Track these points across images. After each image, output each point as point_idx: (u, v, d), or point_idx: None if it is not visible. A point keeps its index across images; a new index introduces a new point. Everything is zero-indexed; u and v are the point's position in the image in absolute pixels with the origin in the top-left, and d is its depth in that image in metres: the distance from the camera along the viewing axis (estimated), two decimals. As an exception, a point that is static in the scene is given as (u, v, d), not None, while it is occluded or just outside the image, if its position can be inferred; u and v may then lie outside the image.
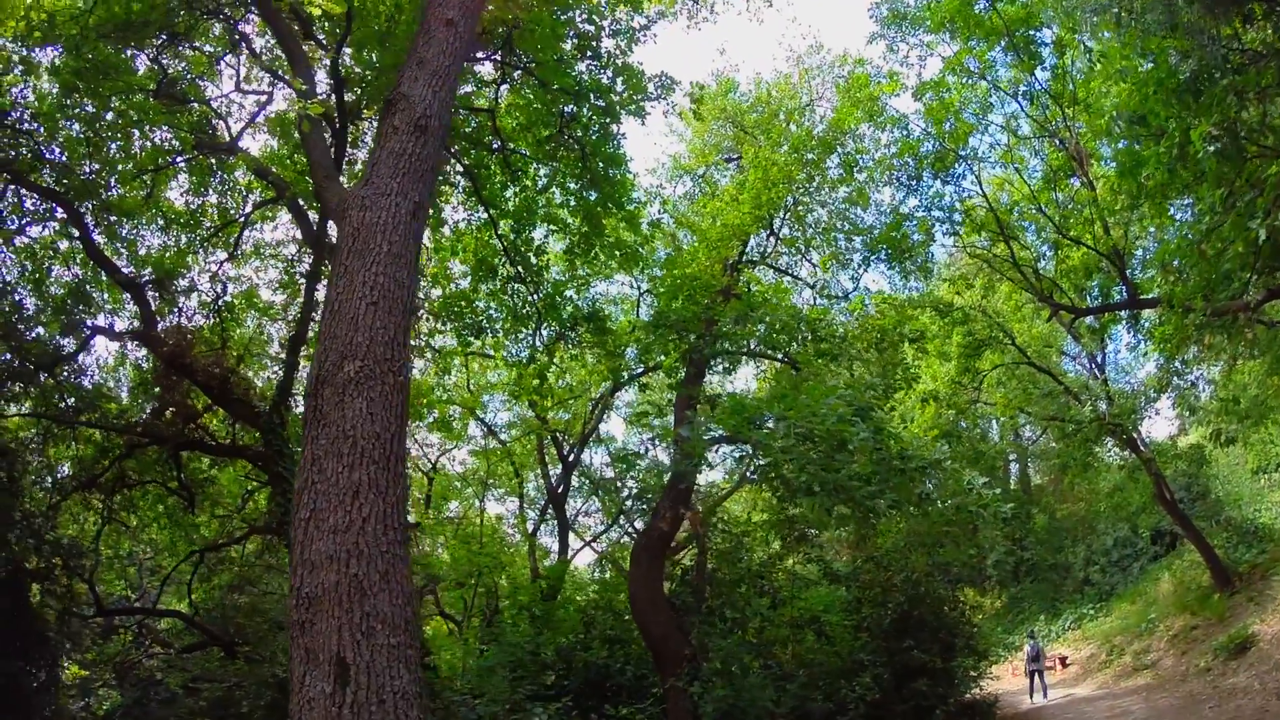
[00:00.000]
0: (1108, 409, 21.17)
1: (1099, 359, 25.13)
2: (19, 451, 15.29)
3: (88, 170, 14.77)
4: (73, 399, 14.71)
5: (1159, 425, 46.04)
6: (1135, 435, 21.50)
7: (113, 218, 15.10)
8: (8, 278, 14.48)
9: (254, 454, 14.44)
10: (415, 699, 6.22)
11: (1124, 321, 21.89)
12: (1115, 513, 27.34)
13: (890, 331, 17.50)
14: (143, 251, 15.69)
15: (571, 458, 23.73)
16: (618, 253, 16.69)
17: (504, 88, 17.49)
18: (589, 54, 15.45)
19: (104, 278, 14.99)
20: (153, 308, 14.80)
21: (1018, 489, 35.13)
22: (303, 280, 15.28)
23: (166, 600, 19.94)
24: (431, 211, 17.69)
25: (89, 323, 14.85)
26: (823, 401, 12.30)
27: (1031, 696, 22.20)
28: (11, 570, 14.64)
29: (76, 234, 14.33)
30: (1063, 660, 26.54)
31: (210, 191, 16.79)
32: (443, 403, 22.45)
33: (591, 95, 15.25)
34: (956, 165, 18.94)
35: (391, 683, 6.19)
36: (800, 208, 19.17)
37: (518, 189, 16.96)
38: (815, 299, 19.70)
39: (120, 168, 14.49)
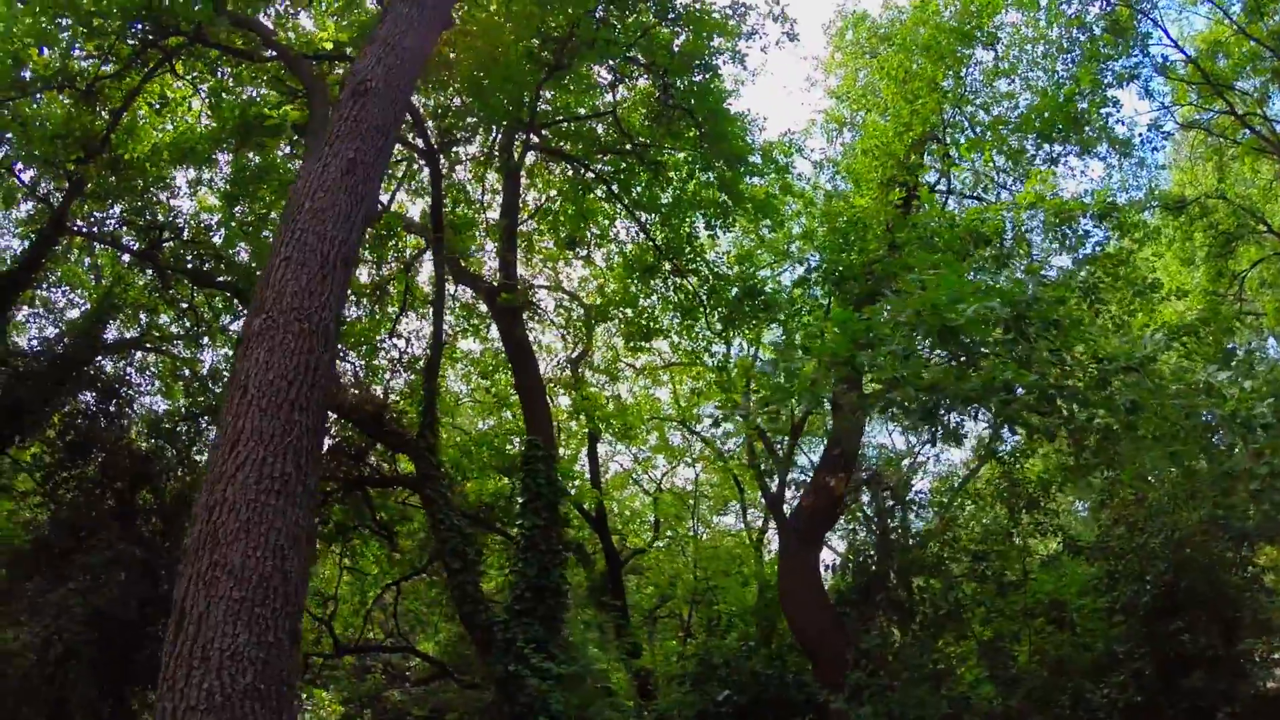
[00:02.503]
0: None
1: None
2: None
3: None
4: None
5: None
6: None
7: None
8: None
9: (409, 480, 14.83)
10: (255, 662, 5.54)
11: None
12: None
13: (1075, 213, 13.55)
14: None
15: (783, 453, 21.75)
16: (756, 212, 15.40)
17: (620, 88, 17.34)
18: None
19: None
20: None
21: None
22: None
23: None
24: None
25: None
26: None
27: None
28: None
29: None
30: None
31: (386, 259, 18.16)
32: (659, 420, 21.96)
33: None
34: (1135, 21, 14.60)
35: (222, 639, 5.48)
36: (961, 117, 16.28)
37: (661, 184, 16.50)
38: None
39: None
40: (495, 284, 15.18)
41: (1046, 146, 14.79)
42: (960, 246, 11.94)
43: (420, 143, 14.55)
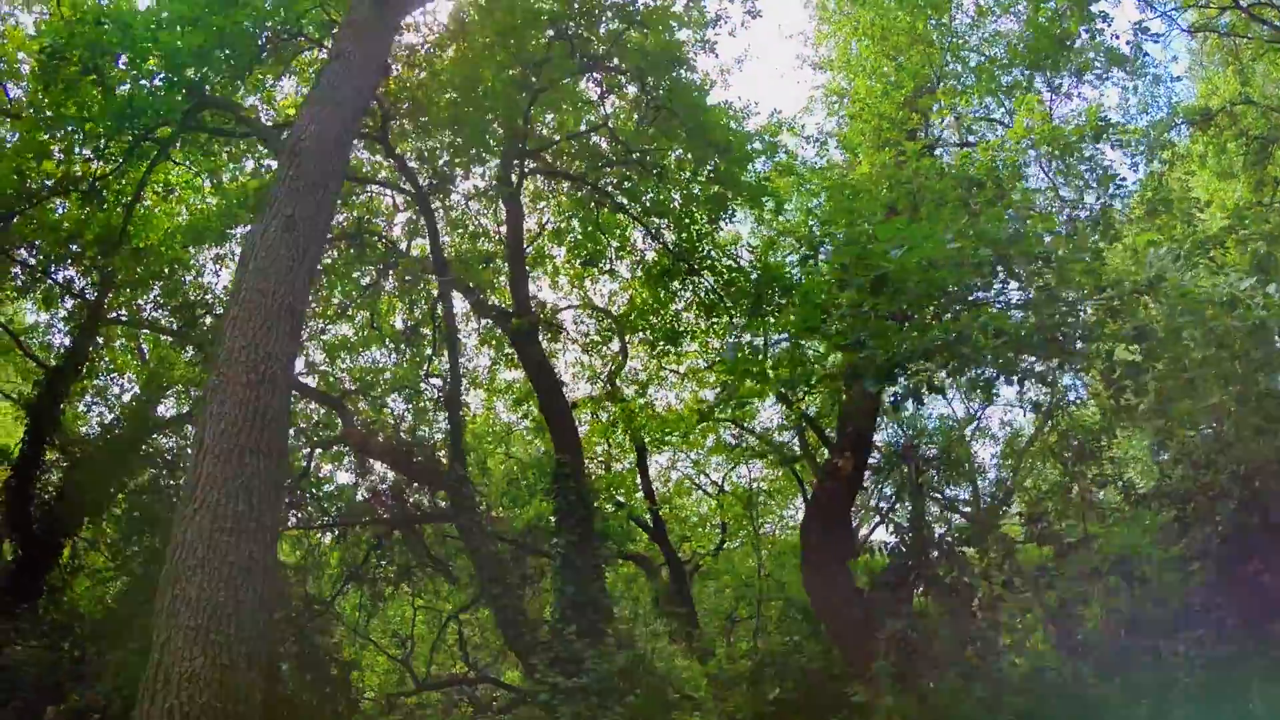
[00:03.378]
0: None
1: None
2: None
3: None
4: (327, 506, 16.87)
5: None
6: None
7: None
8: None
9: (445, 514, 15.01)
10: (211, 683, 6.17)
11: None
12: None
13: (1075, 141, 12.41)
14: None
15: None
16: (751, 198, 14.98)
17: (610, 100, 17.26)
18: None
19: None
20: (351, 415, 15.70)
21: None
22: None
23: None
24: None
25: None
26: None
27: None
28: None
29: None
30: None
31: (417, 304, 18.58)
32: (713, 421, 21.58)
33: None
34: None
35: (181, 663, 6.29)
36: (956, 64, 15.38)
37: (667, 187, 16.35)
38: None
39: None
40: (508, 310, 15.29)
41: (1040, 77, 13.92)
42: (955, 196, 11.26)
43: (410, 187, 14.81)
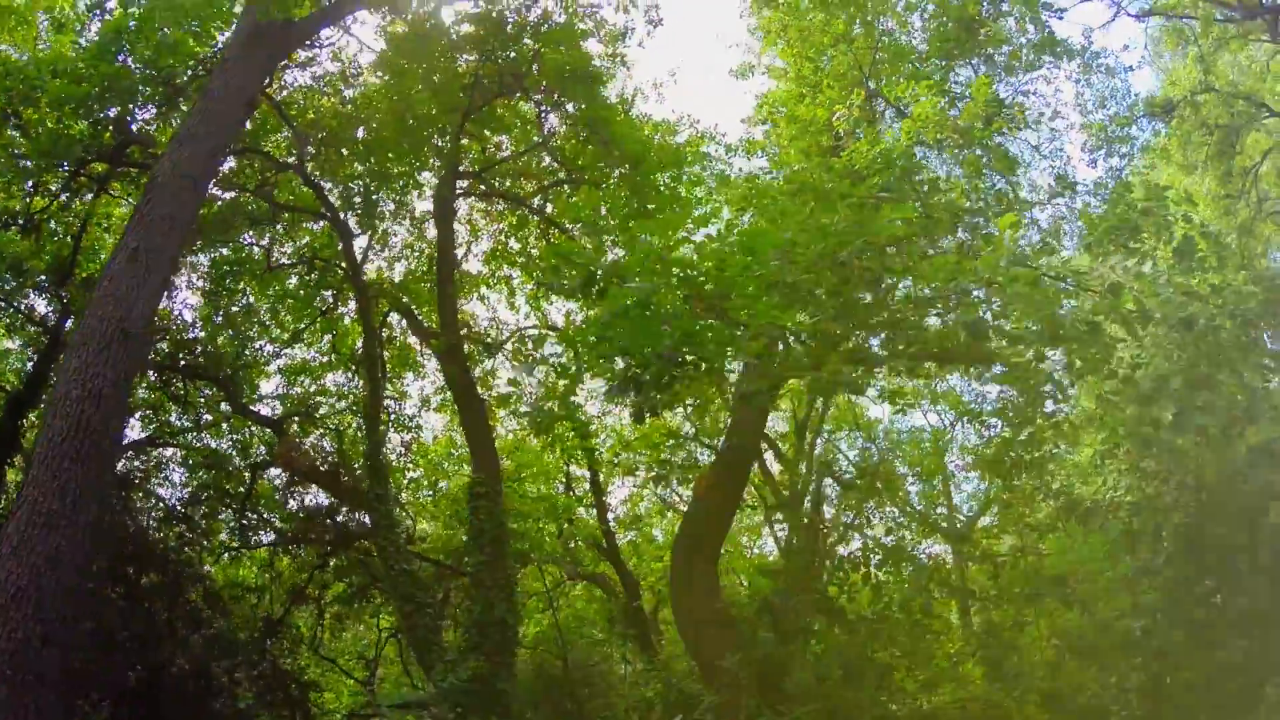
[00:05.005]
0: None
1: None
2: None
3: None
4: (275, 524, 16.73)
5: None
6: None
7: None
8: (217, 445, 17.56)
9: (367, 533, 14.59)
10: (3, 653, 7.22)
11: None
12: None
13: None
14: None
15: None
16: (661, 209, 14.27)
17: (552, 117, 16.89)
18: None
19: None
20: (289, 438, 15.25)
21: None
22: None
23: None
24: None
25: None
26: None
27: None
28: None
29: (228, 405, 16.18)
30: None
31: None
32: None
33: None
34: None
35: None
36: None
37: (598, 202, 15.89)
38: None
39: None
40: (432, 330, 14.96)
41: (963, 64, 12.80)
42: (853, 191, 10.37)
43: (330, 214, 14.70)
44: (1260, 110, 14.38)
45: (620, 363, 7.09)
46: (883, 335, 7.83)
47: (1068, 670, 11.65)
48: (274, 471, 16.09)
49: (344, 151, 14.30)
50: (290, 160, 14.49)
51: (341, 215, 14.47)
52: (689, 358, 7.00)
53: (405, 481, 18.00)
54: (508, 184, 16.75)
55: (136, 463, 16.17)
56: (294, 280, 17.31)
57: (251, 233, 16.30)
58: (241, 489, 15.77)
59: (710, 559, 10.37)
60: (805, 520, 11.67)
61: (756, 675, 8.82)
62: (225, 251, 16.34)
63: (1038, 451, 12.41)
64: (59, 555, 7.95)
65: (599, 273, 7.18)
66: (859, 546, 11.54)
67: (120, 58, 11.89)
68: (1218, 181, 14.59)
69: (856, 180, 10.42)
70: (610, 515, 18.52)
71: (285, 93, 14.87)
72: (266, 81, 12.84)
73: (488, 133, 16.79)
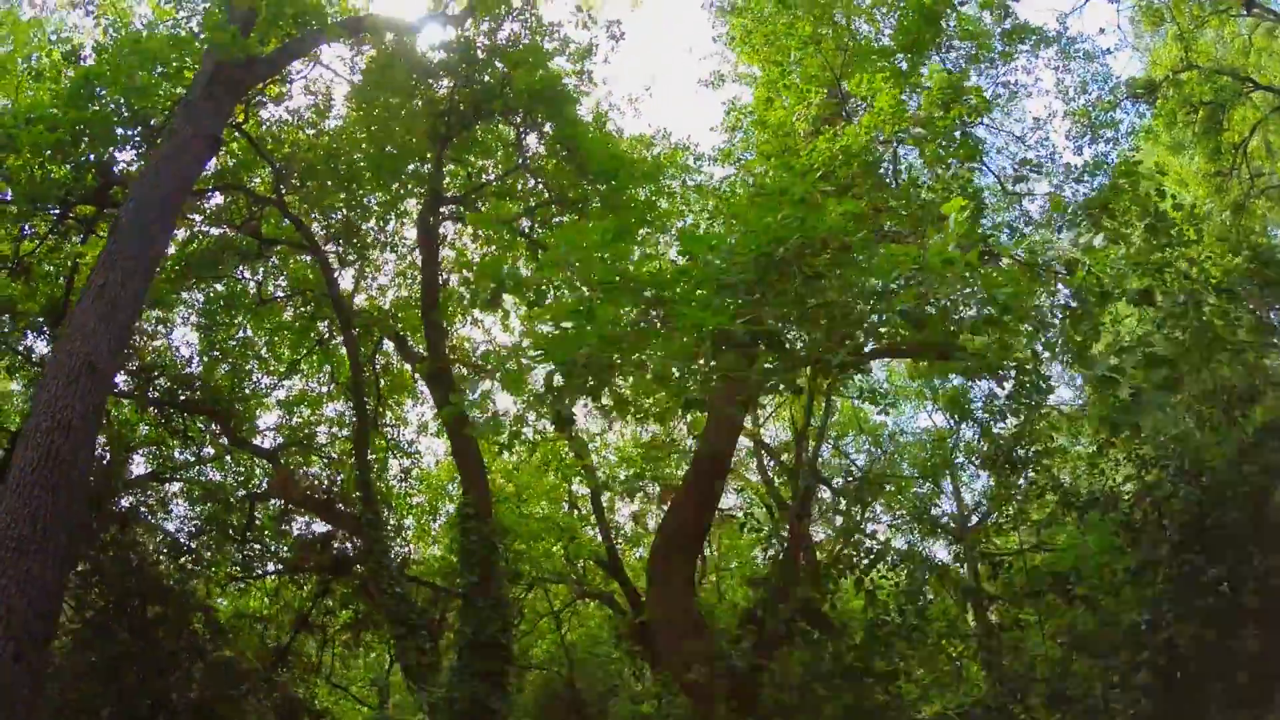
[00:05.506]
0: None
1: None
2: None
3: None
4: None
5: None
6: None
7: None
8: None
9: (360, 557, 14.47)
10: None
11: None
12: None
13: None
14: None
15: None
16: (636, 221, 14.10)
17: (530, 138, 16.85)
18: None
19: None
20: (284, 468, 15.15)
21: None
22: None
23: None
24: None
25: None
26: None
27: None
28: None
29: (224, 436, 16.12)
30: None
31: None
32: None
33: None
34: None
35: None
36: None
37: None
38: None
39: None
40: (420, 355, 14.91)
41: (931, 57, 12.45)
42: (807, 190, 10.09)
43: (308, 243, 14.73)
44: (1245, 84, 13.85)
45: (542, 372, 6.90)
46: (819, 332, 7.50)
47: (1075, 668, 11.12)
48: (274, 501, 16.02)
49: (328, 183, 14.31)
50: (271, 196, 14.56)
51: (323, 246, 14.47)
52: (617, 361, 6.77)
53: (410, 507, 17.91)
54: (498, 207, 16.72)
55: (141, 497, 16.27)
56: (290, 312, 17.42)
57: (244, 267, 16.46)
58: (244, 520, 15.73)
59: (685, 566, 10.06)
60: (788, 527, 11.28)
61: (731, 687, 8.45)
62: (220, 288, 16.50)
63: (1033, 445, 12.00)
64: (29, 578, 8.15)
65: (507, 283, 7.03)
66: (857, 551, 11.12)
67: (93, 104, 11.99)
68: (1207, 159, 14.06)
69: (822, 179, 10.21)
70: (621, 531, 18.20)
71: (265, 127, 14.98)
72: (231, 119, 12.92)
73: (471, 158, 16.86)
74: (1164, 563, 10.77)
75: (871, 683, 9.78)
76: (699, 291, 7.35)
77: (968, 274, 6.93)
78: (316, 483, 14.92)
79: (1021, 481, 12.40)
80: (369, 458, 14.43)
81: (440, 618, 14.70)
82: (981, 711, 10.49)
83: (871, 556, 11.20)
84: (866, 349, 8.10)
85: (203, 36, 11.86)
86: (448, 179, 16.87)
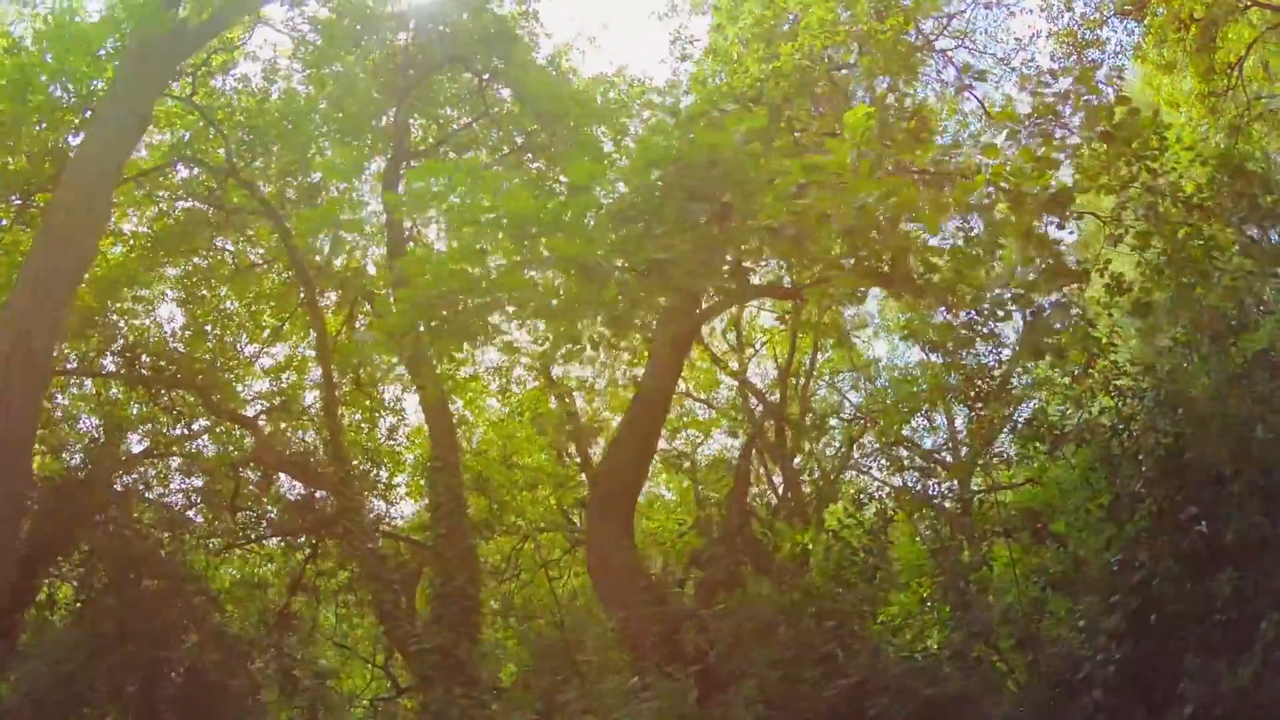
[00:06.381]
0: None
1: None
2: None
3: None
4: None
5: None
6: None
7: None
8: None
9: (336, 517, 14.44)
10: None
11: None
12: None
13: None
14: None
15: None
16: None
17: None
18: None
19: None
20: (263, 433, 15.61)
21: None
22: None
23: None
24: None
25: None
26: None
27: None
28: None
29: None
30: None
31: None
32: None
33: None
34: None
35: None
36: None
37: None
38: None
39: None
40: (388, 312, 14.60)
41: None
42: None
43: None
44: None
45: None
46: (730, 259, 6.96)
47: (1050, 608, 10.56)
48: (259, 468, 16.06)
49: (274, 147, 13.97)
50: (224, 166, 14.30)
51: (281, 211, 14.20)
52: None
53: (400, 464, 17.85)
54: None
55: (136, 474, 16.41)
56: (273, 280, 17.28)
57: (219, 237, 16.31)
58: (231, 488, 15.81)
59: (625, 508, 9.72)
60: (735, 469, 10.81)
61: (664, 632, 8.12)
62: (198, 261, 16.40)
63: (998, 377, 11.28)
64: None
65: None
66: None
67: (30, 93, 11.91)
68: (1200, 79, 12.84)
69: (754, 101, 9.54)
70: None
71: (219, 98, 14.64)
72: (181, 93, 12.84)
73: (442, 111, 16.36)
74: (1139, 498, 10.03)
75: (820, 626, 9.35)
76: (588, 223, 6.91)
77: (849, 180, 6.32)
78: (299, 446, 14.85)
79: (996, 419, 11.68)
80: (340, 417, 14.33)
81: (419, 571, 14.68)
82: (948, 655, 10.01)
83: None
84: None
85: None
86: (419, 133, 16.45)
